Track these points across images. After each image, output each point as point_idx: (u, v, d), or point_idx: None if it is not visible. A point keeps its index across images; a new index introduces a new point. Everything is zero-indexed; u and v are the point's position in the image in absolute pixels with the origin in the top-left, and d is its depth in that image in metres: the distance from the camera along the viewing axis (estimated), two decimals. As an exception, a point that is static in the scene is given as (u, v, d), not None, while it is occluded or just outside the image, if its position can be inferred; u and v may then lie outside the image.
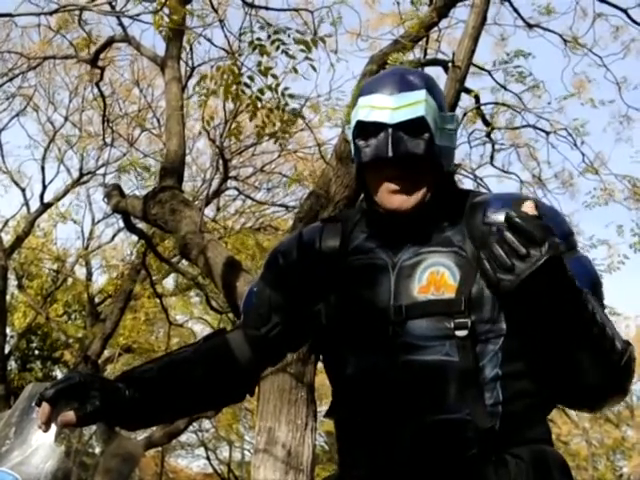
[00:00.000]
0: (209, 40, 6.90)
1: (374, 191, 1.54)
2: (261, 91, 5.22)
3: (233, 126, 6.25)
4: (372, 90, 1.54)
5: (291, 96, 5.42)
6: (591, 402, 1.46)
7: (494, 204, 1.50)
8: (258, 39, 5.21)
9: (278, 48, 5.16)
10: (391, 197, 1.50)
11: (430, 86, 1.55)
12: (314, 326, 1.57)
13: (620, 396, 1.45)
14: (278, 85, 5.20)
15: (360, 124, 1.52)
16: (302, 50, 5.12)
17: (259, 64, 5.20)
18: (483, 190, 7.70)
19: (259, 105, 5.24)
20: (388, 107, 1.50)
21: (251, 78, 5.25)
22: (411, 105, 1.49)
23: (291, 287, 1.62)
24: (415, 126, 1.48)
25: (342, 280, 1.55)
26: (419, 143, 1.48)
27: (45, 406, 1.44)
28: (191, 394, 1.62)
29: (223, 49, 5.72)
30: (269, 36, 5.20)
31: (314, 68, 5.37)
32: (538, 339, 1.42)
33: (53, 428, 1.45)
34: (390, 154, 1.47)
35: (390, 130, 1.48)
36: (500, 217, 1.44)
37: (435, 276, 1.47)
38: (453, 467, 1.39)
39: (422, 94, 1.51)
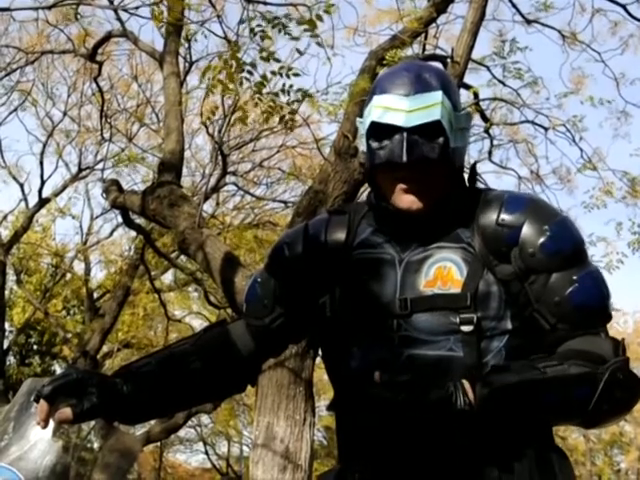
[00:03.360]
0: (210, 31, 6.84)
1: (385, 190, 1.52)
2: (264, 77, 5.18)
3: (239, 114, 6.17)
4: (386, 89, 1.50)
5: (296, 74, 5.33)
6: (586, 427, 1.48)
7: (511, 205, 1.49)
8: (259, 25, 5.16)
9: (280, 31, 5.11)
10: (402, 197, 1.49)
11: (446, 85, 1.51)
12: (318, 318, 1.56)
13: (617, 415, 1.43)
14: (282, 68, 5.14)
15: (374, 125, 1.50)
16: (306, 30, 5.05)
17: (261, 50, 5.16)
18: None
19: (262, 90, 5.18)
20: (403, 110, 1.46)
21: (253, 65, 5.20)
22: (427, 108, 1.47)
23: (296, 279, 1.61)
24: (430, 130, 1.46)
25: (348, 273, 1.54)
26: (434, 147, 1.46)
27: (43, 403, 1.44)
28: (191, 386, 1.61)
29: (225, 38, 5.66)
30: (269, 21, 5.15)
31: (320, 44, 5.27)
32: (543, 338, 1.44)
33: (51, 424, 1.46)
34: (405, 159, 1.44)
35: (405, 134, 1.45)
36: (515, 219, 1.47)
37: (442, 271, 1.46)
38: (455, 462, 1.38)
39: (438, 96, 1.48)
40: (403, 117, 1.46)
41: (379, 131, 1.49)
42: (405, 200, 1.49)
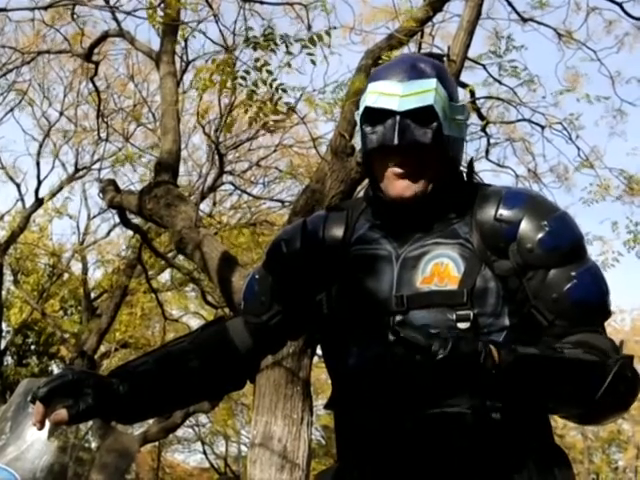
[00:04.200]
0: (204, 34, 6.85)
1: (379, 178, 1.52)
2: (255, 84, 5.22)
3: (227, 120, 6.25)
4: (382, 76, 1.52)
5: (284, 90, 5.41)
6: (585, 423, 1.47)
7: (509, 201, 1.49)
8: (255, 37, 5.19)
9: (275, 45, 5.15)
10: (394, 183, 1.49)
11: (441, 75, 1.52)
12: (316, 315, 1.56)
13: (616, 412, 1.43)
14: (274, 80, 5.19)
15: (368, 110, 1.50)
16: (305, 46, 5.09)
17: (256, 60, 5.19)
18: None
19: (254, 98, 5.23)
20: (396, 94, 1.47)
21: (247, 72, 5.24)
22: (420, 93, 1.47)
23: (293, 275, 1.60)
24: (423, 115, 1.46)
25: (345, 269, 1.54)
26: (426, 132, 1.46)
27: (39, 405, 1.43)
28: (189, 384, 1.61)
29: (220, 45, 5.71)
30: (265, 35, 5.19)
31: (314, 62, 5.33)
32: (541, 335, 1.43)
33: (47, 425, 1.45)
34: (396, 142, 1.44)
35: (398, 117, 1.45)
36: (514, 215, 1.46)
37: (439, 267, 1.46)
38: (453, 460, 1.38)
39: (432, 82, 1.48)
40: (396, 101, 1.46)
41: (373, 116, 1.49)
42: (397, 186, 1.48)
